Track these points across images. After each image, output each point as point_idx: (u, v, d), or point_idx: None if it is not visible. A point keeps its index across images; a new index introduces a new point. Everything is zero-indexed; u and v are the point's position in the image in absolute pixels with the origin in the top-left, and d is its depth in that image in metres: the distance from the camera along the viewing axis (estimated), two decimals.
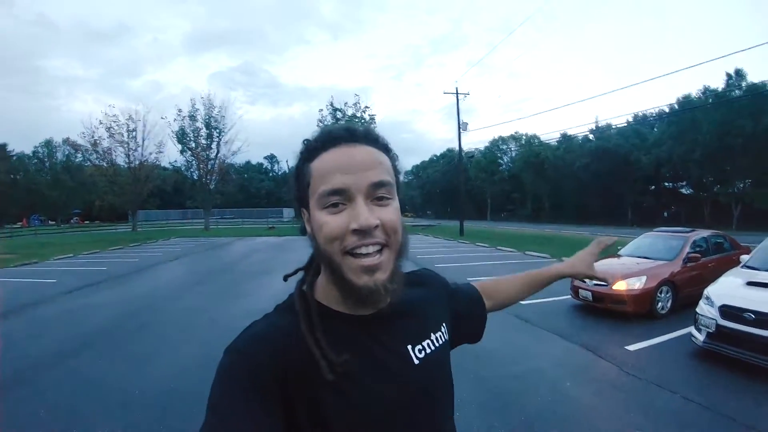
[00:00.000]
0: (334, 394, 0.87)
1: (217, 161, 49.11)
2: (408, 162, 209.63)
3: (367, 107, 48.08)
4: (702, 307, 6.71)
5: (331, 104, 47.83)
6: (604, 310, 9.20)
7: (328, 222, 0.87)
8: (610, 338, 7.70)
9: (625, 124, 58.27)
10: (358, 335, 0.95)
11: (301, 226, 1.01)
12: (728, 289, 6.73)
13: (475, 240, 29.44)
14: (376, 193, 0.89)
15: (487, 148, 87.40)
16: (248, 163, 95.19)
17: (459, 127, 37.47)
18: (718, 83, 48.68)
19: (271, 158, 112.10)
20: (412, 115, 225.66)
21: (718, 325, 6.32)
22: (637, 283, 8.80)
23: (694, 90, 52.59)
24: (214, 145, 48.61)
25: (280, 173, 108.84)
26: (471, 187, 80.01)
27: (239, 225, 61.05)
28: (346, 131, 0.94)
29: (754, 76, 46.19)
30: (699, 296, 7.00)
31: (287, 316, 0.94)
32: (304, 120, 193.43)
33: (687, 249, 9.92)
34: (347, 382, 0.88)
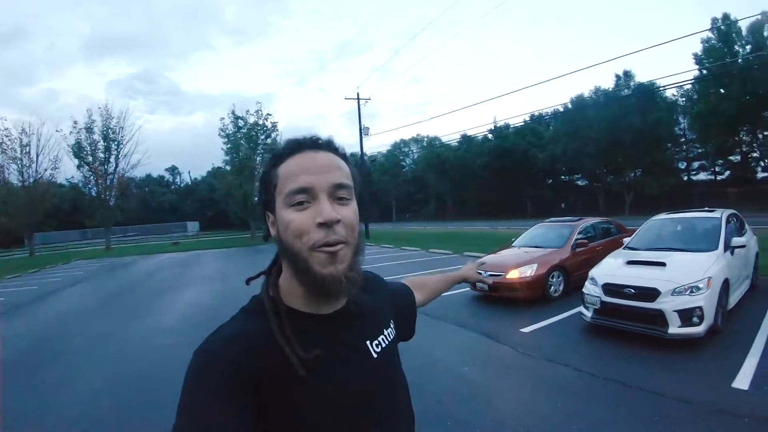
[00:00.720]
0: (305, 390, 0.92)
1: (116, 175, 46.01)
2: None
3: (269, 114, 47.44)
4: (588, 287, 7.32)
5: (233, 112, 46.89)
6: (500, 299, 9.64)
7: (294, 219, 0.94)
8: (507, 323, 8.09)
9: (522, 124, 61.21)
10: (322, 333, 1.00)
11: (265, 231, 1.06)
12: (610, 268, 7.43)
13: (380, 242, 29.77)
14: (337, 194, 0.96)
15: (389, 151, 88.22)
16: (149, 176, 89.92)
17: (361, 132, 37.87)
18: (609, 83, 53.49)
19: (173, 170, 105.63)
20: (315, 121, 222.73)
21: (602, 302, 6.95)
22: (529, 271, 9.33)
23: (586, 90, 57.29)
24: (112, 159, 45.38)
25: (182, 185, 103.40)
26: (375, 190, 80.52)
27: (142, 242, 58.32)
28: (310, 140, 1.02)
29: (641, 77, 51.16)
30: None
31: (255, 318, 0.97)
32: (206, 129, 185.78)
33: (575, 236, 10.67)
34: (317, 377, 0.93)
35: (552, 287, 9.59)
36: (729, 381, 5.03)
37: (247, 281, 1.20)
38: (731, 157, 50.11)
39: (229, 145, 47.22)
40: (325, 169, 0.97)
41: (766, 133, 42.96)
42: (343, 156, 1.04)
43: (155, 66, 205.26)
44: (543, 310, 8.74)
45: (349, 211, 0.98)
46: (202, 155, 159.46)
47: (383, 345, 1.13)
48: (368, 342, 1.09)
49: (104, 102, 76.31)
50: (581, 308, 7.51)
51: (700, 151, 52.66)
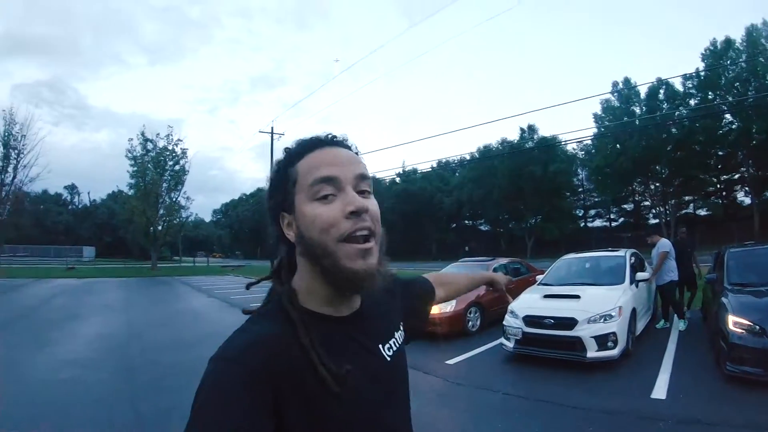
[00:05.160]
0: (326, 397, 0.91)
1: (12, 187, 41.75)
2: (217, 201, 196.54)
3: (180, 140, 46.37)
4: (508, 320, 7.93)
5: (143, 134, 45.16)
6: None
7: (322, 212, 0.94)
8: (431, 356, 8.41)
9: (430, 169, 63.76)
10: (342, 337, 1.01)
11: (276, 237, 1.06)
12: (529, 302, 8.14)
13: None
14: (360, 186, 0.98)
15: None
16: (45, 192, 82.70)
17: (271, 167, 37.46)
18: (514, 135, 58.10)
19: (72, 188, 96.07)
20: (224, 152, 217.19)
21: (524, 332, 7.59)
22: (448, 307, 9.78)
23: (493, 140, 61.19)
24: (10, 169, 41.09)
25: (80, 206, 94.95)
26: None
27: (34, 264, 53.24)
28: (327, 137, 1.05)
29: (543, 131, 56.74)
30: (503, 313, 8.24)
31: (272, 324, 0.95)
32: (110, 149, 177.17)
33: None
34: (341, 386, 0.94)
35: (470, 322, 10.12)
36: (648, 393, 5.76)
37: (248, 287, 1.19)
38: (625, 206, 56.72)
39: (135, 168, 45.33)
40: (347, 161, 0.99)
41: (657, 184, 48.81)
42: (359, 155, 1.07)
43: (66, 74, 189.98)
44: (464, 343, 9.20)
45: (373, 204, 1.00)
46: (103, 176, 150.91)
47: (394, 348, 1.13)
48: (380, 345, 1.09)
49: (8, 105, 68.40)
50: (502, 339, 8.10)
51: (596, 199, 58.93)
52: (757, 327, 5.65)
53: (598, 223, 61.84)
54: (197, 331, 11.76)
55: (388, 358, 1.09)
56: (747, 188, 45.94)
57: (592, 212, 61.85)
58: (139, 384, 7.01)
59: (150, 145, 45.31)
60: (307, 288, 1.01)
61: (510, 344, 7.80)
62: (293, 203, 0.99)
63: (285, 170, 1.02)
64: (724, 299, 6.58)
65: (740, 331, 5.79)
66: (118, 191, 58.42)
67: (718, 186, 50.50)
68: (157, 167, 45.22)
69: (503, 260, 13.05)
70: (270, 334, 0.92)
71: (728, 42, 41.50)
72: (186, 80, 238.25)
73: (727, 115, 42.74)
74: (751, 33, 40.11)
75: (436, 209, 64.02)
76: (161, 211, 46.82)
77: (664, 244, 9.48)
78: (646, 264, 10.03)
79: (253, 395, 0.83)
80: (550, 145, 49.56)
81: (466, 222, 67.20)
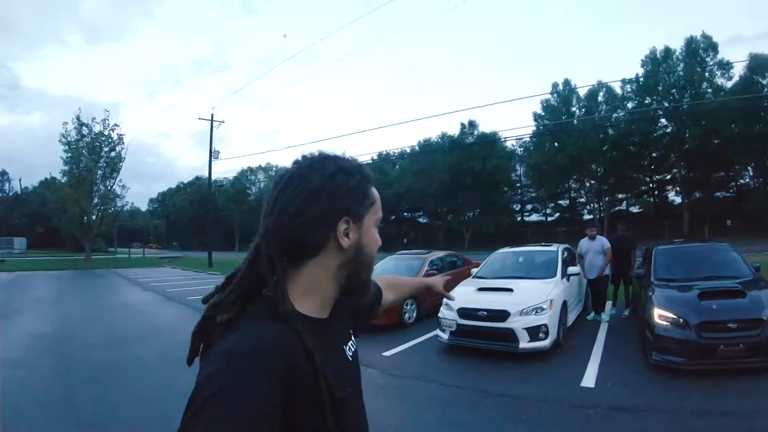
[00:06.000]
0: (330, 399, 0.95)
1: None
2: (153, 189, 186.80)
3: (116, 125, 44.21)
4: (443, 312, 8.06)
5: (78, 118, 42.72)
6: None
7: (379, 239, 1.15)
8: (368, 349, 8.40)
9: (370, 161, 63.75)
10: (327, 339, 1.05)
11: (322, 235, 1.05)
12: (464, 295, 8.22)
13: (225, 271, 28.42)
14: None
15: (236, 177, 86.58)
16: None
17: (211, 155, 36.89)
18: (455, 130, 59.19)
19: (2, 175, 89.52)
20: (162, 139, 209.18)
21: (458, 324, 7.76)
22: None
23: (434, 134, 62.17)
24: None
25: (11, 194, 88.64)
26: (219, 217, 78.58)
27: None
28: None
29: (484, 127, 57.83)
30: (439, 305, 8.36)
31: (270, 324, 0.96)
32: (44, 132, 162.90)
33: (425, 267, 11.60)
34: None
35: (406, 314, 10.23)
36: (578, 382, 6.01)
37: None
38: (561, 201, 58.83)
39: (69, 154, 42.91)
40: None
41: (592, 181, 51.25)
42: None
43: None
44: (400, 335, 9.28)
45: None
46: (36, 162, 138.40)
47: (353, 349, 1.20)
48: (344, 346, 1.16)
49: None
50: (437, 331, 8.23)
51: (533, 195, 60.59)
52: (681, 320, 6.00)
53: (534, 217, 63.83)
54: (133, 326, 11.32)
55: (351, 359, 1.16)
56: (678, 188, 49.28)
57: (529, 207, 63.67)
58: (76, 384, 6.74)
59: (85, 130, 43.08)
60: (306, 290, 1.05)
61: (445, 336, 7.95)
62: (363, 218, 1.09)
63: (365, 185, 1.11)
64: (650, 293, 6.94)
65: (665, 323, 6.13)
66: (51, 178, 54.96)
67: (651, 185, 53.61)
68: (92, 153, 42.98)
69: (439, 253, 13.28)
70: (277, 335, 0.94)
71: (667, 51, 44.39)
72: (125, 62, 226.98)
73: (663, 120, 45.87)
74: (690, 44, 43.16)
75: None
76: (96, 200, 44.45)
77: (606, 241, 9.86)
78: (578, 258, 10.37)
79: (266, 392, 0.84)
80: (490, 140, 51.42)
81: (405, 214, 67.79)
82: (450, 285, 7.52)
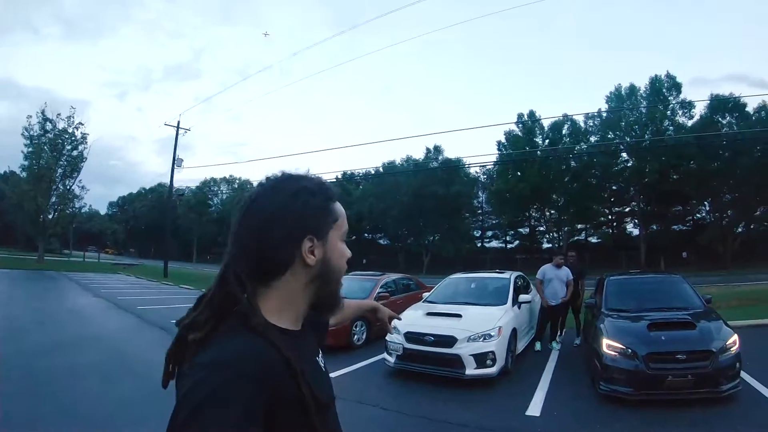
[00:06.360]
0: (312, 408, 0.97)
1: None
2: (114, 193, 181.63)
3: (81, 123, 42.87)
4: (391, 336, 7.81)
5: (43, 112, 41.39)
6: None
7: (347, 251, 1.17)
8: None
9: (334, 180, 63.62)
10: (301, 349, 1.06)
11: (288, 254, 1.06)
12: (412, 319, 8.15)
13: (180, 282, 28.36)
14: None
15: (198, 187, 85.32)
16: None
17: (174, 163, 36.42)
18: (420, 154, 59.85)
19: None
20: (127, 142, 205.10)
21: (405, 348, 7.62)
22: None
23: (398, 157, 62.66)
24: None
25: None
26: (178, 227, 77.24)
27: None
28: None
29: (449, 152, 58.25)
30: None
31: (244, 336, 0.96)
32: (8, 124, 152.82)
33: (378, 289, 11.53)
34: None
35: (355, 336, 10.05)
36: (523, 410, 5.90)
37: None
38: (521, 229, 59.76)
39: (30, 149, 41.55)
40: None
41: (553, 211, 52.71)
42: None
43: None
44: (348, 357, 9.07)
45: None
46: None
47: (323, 361, 1.24)
48: (316, 357, 1.21)
49: None
50: (384, 354, 8.07)
51: (494, 222, 61.21)
52: (629, 350, 5.96)
53: (494, 244, 64.14)
54: (77, 332, 10.93)
55: (324, 369, 1.21)
56: (636, 220, 50.58)
57: (489, 233, 63.99)
58: (12, 391, 6.25)
59: (49, 126, 41.75)
60: (277, 306, 1.07)
61: (391, 359, 7.81)
62: (327, 235, 1.11)
63: (327, 203, 1.13)
64: (600, 323, 6.91)
65: (613, 353, 6.08)
66: (9, 172, 53.54)
67: (610, 217, 54.64)
68: (54, 150, 41.66)
69: (393, 276, 13.19)
70: (254, 344, 0.95)
71: (632, 88, 46.00)
72: (99, 60, 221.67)
73: (624, 154, 47.20)
74: (654, 83, 44.92)
75: None
76: (53, 199, 43.04)
77: (570, 272, 9.70)
78: (531, 286, 10.31)
79: (251, 397, 0.87)
80: (454, 166, 52.52)
81: (366, 235, 67.76)
82: (402, 308, 7.44)
